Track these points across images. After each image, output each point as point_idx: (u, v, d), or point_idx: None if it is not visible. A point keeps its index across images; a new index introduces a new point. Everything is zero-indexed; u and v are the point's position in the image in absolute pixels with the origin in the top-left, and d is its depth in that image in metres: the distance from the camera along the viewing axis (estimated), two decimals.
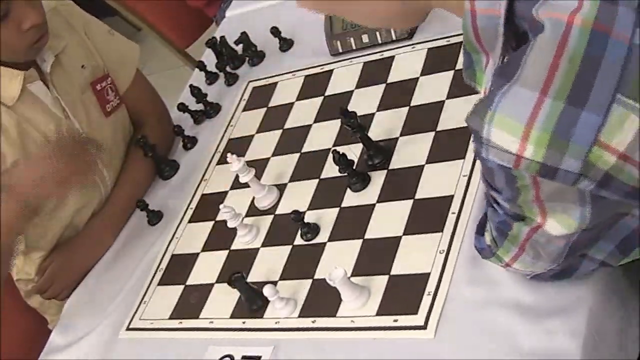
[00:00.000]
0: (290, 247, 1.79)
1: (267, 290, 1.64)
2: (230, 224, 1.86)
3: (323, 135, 1.97)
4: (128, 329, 1.91)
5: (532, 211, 1.16)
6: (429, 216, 1.64)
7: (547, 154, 1.03)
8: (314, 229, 1.77)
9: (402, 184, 1.74)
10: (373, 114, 1.92)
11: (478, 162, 1.62)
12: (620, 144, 1.02)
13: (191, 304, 1.85)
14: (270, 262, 1.79)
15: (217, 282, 1.84)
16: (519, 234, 1.23)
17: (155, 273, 1.98)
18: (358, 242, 1.69)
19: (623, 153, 1.02)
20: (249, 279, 1.75)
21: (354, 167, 1.79)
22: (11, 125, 2.02)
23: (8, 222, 1.74)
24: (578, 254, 1.26)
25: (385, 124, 1.88)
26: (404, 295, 1.55)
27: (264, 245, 1.84)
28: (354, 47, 2.12)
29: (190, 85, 2.31)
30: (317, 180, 1.88)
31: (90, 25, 2.26)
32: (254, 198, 1.94)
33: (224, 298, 1.79)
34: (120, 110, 2.28)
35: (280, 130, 2.08)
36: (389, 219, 1.69)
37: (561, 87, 1.02)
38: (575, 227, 1.15)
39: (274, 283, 1.73)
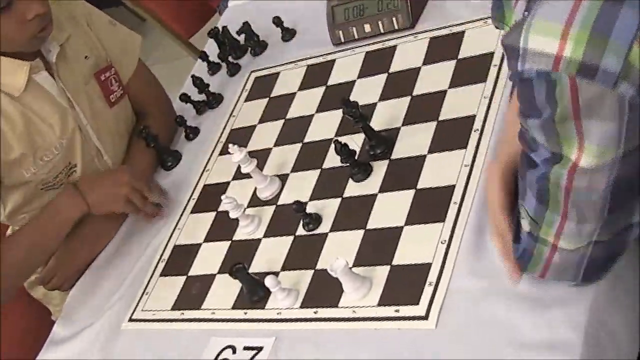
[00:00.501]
0: (292, 237, 1.79)
1: (268, 281, 1.64)
2: (232, 215, 1.85)
3: (325, 126, 1.96)
4: (130, 320, 1.91)
5: (569, 137, 1.12)
6: (431, 206, 1.63)
7: (587, 51, 1.02)
8: (316, 220, 1.77)
9: (403, 174, 1.73)
10: (375, 104, 1.91)
11: (480, 150, 1.64)
12: None
13: (193, 295, 1.85)
14: (272, 253, 1.79)
15: (219, 272, 1.84)
16: (559, 182, 1.17)
17: (157, 264, 1.98)
18: (360, 233, 1.69)
19: None
20: (251, 270, 1.75)
21: (356, 158, 1.78)
22: (17, 117, 2.02)
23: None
24: (623, 212, 1.21)
25: (387, 114, 1.87)
26: (406, 286, 1.54)
27: (265, 235, 1.84)
28: (356, 37, 2.11)
29: (193, 76, 2.31)
30: (319, 171, 1.87)
31: (92, 16, 2.26)
32: (255, 188, 1.94)
33: (225, 289, 1.79)
34: (123, 100, 2.28)
35: (282, 121, 2.07)
36: (390, 209, 1.69)
37: None
38: (611, 154, 1.11)
39: (276, 274, 1.72)
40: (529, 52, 1.07)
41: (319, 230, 1.76)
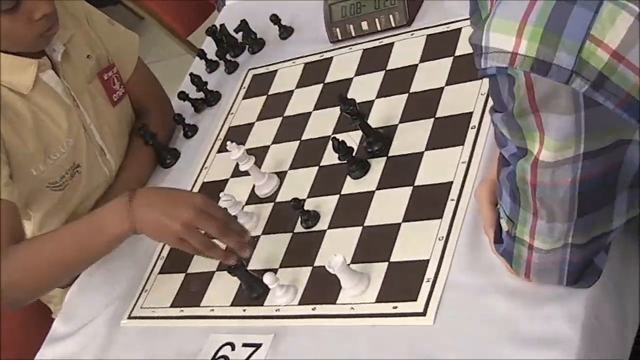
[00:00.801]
0: (290, 234, 1.79)
1: (267, 278, 1.65)
2: (230, 212, 1.86)
3: (323, 123, 1.97)
4: (129, 317, 1.92)
5: (530, 130, 1.13)
6: (428, 203, 1.64)
7: (540, 48, 1.05)
8: (314, 217, 1.78)
9: (401, 171, 1.74)
10: (372, 101, 1.92)
11: (477, 147, 1.64)
12: (612, 42, 1.03)
13: (192, 292, 1.85)
14: (270, 250, 1.80)
15: (217, 270, 1.85)
16: (525, 177, 1.19)
17: (156, 261, 1.99)
18: (358, 230, 1.69)
19: (615, 51, 1.04)
20: (249, 267, 1.76)
21: (354, 155, 1.79)
22: (27, 114, 2.02)
23: None
24: (598, 216, 1.22)
25: (385, 111, 1.88)
26: (404, 282, 1.55)
27: (264, 232, 1.85)
28: (353, 35, 2.12)
29: (191, 74, 2.31)
30: (316, 168, 1.88)
31: (92, 16, 2.27)
32: (254, 186, 1.95)
33: (224, 286, 1.80)
34: (125, 99, 2.30)
35: (280, 118, 2.08)
36: (388, 206, 1.70)
37: None
38: (571, 149, 1.12)
39: (274, 271, 1.73)
40: (490, 49, 1.10)
41: (317, 227, 1.76)
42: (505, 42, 1.08)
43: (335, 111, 1.94)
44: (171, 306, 1.86)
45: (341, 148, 1.76)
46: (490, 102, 1.67)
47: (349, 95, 1.90)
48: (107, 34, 2.28)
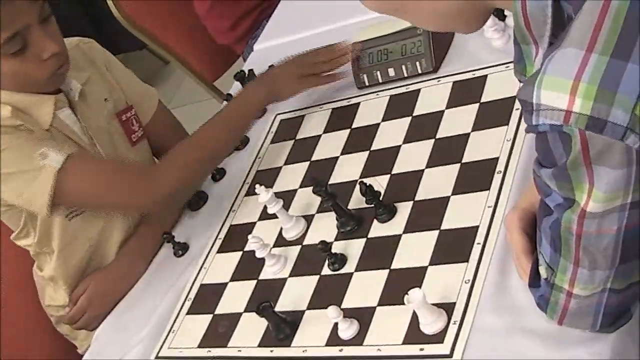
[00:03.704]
0: (317, 277, 1.81)
1: (331, 312, 1.63)
2: (258, 254, 1.88)
3: (349, 167, 1.99)
4: (157, 357, 1.93)
5: (580, 182, 1.14)
6: (455, 246, 1.66)
7: (595, 106, 1.05)
8: (341, 259, 1.79)
9: (427, 215, 1.76)
10: (399, 146, 1.95)
11: (503, 192, 1.66)
12: None
13: (220, 332, 1.87)
14: (297, 292, 1.82)
15: (245, 311, 1.86)
16: (571, 227, 1.20)
17: (184, 302, 2.00)
18: (385, 273, 1.71)
19: None
20: (277, 308, 1.78)
21: (381, 199, 1.81)
22: None
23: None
24: (637, 262, 1.23)
25: (411, 156, 1.90)
26: None
27: (291, 275, 1.87)
28: (380, 81, 2.15)
29: None
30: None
31: (111, 62, 2.33)
32: (281, 229, 1.97)
33: (252, 327, 1.81)
34: (144, 141, 2.34)
35: (308, 162, 2.11)
36: (415, 250, 1.71)
37: (606, 43, 1.06)
38: (619, 200, 1.13)
39: (302, 312, 1.75)
40: (542, 107, 1.10)
41: (344, 270, 1.78)
42: (559, 100, 1.08)
43: (363, 156, 1.97)
44: (199, 346, 1.88)
45: (368, 192, 1.78)
46: (517, 148, 1.72)
47: (376, 140, 1.94)
48: (127, 79, 2.34)
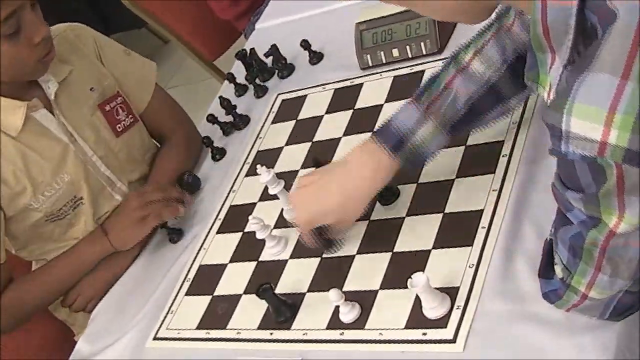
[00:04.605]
0: (318, 259, 1.79)
1: (332, 295, 1.61)
2: (259, 236, 1.86)
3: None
4: (155, 338, 1.92)
5: (610, 207, 1.11)
6: (459, 230, 1.64)
7: (632, 137, 1.01)
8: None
9: (431, 197, 1.74)
10: None
11: (509, 175, 1.64)
12: None
13: (219, 314, 1.85)
14: (298, 274, 1.80)
15: (245, 293, 1.85)
16: (596, 242, 1.18)
17: (182, 283, 1.99)
18: (387, 255, 1.69)
19: None
20: (277, 290, 1.76)
21: None
22: (17, 156, 2.07)
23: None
24: None
25: None
26: None
27: (292, 257, 1.85)
28: (384, 61, 2.13)
29: (220, 97, 2.32)
30: None
31: (104, 48, 2.31)
32: (282, 210, 1.95)
33: (251, 309, 1.79)
34: (134, 128, 2.31)
35: (310, 143, 2.09)
36: (418, 233, 1.70)
37: None
38: None
39: (302, 295, 1.73)
40: (572, 135, 1.06)
41: (345, 253, 1.76)
42: (592, 130, 1.03)
43: (365, 137, 1.93)
44: (197, 328, 1.86)
45: None
46: (523, 131, 1.70)
47: (379, 122, 1.91)
48: (121, 65, 2.32)
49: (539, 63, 1.22)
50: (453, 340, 1.48)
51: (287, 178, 1.97)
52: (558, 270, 1.32)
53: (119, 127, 2.26)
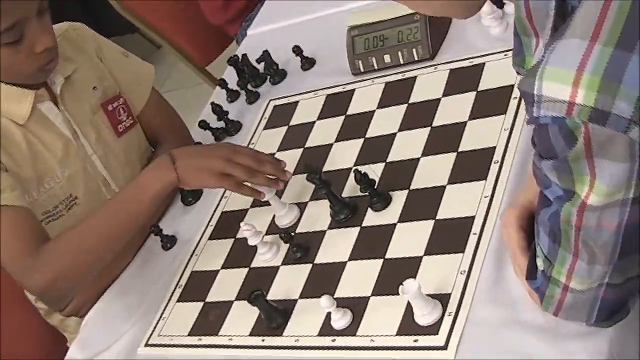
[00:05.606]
0: (310, 265, 1.79)
1: (324, 301, 1.61)
2: (251, 242, 1.86)
3: (344, 155, 1.97)
4: (147, 344, 1.91)
5: (582, 174, 1.12)
6: (450, 237, 1.64)
7: (599, 97, 1.04)
8: (304, 249, 1.80)
9: (423, 204, 1.74)
10: (394, 134, 1.92)
11: (500, 182, 1.65)
12: None
13: (210, 321, 1.85)
14: (290, 280, 1.79)
15: (236, 299, 1.84)
16: (570, 220, 1.18)
17: (174, 290, 1.98)
18: (379, 262, 1.69)
19: None
20: (269, 297, 1.75)
21: (375, 187, 1.79)
22: (23, 143, 2.05)
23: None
24: (636, 258, 1.22)
25: (407, 144, 1.88)
26: None
27: (284, 263, 1.84)
28: (375, 67, 2.13)
29: (212, 103, 2.32)
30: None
31: (103, 49, 2.30)
32: (274, 216, 1.95)
33: (243, 315, 1.79)
34: (134, 130, 2.31)
35: (301, 149, 2.09)
36: (409, 239, 1.69)
37: (610, 33, 1.04)
38: (620, 194, 1.12)
39: (294, 301, 1.73)
40: (544, 98, 1.08)
41: (337, 259, 1.76)
42: (561, 91, 1.06)
43: (357, 143, 1.95)
44: (189, 335, 1.86)
45: (363, 180, 1.76)
46: (515, 138, 1.70)
47: (371, 128, 1.91)
48: (120, 66, 2.31)
49: (524, 47, 1.25)
50: (444, 347, 1.48)
51: None
52: (539, 262, 1.32)
53: (120, 128, 2.26)
